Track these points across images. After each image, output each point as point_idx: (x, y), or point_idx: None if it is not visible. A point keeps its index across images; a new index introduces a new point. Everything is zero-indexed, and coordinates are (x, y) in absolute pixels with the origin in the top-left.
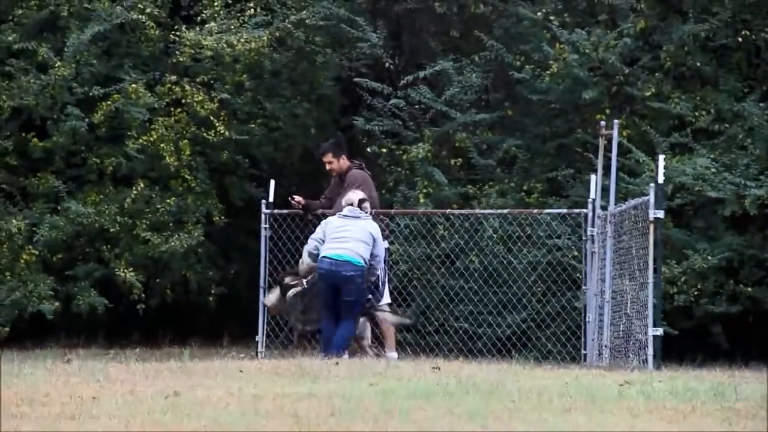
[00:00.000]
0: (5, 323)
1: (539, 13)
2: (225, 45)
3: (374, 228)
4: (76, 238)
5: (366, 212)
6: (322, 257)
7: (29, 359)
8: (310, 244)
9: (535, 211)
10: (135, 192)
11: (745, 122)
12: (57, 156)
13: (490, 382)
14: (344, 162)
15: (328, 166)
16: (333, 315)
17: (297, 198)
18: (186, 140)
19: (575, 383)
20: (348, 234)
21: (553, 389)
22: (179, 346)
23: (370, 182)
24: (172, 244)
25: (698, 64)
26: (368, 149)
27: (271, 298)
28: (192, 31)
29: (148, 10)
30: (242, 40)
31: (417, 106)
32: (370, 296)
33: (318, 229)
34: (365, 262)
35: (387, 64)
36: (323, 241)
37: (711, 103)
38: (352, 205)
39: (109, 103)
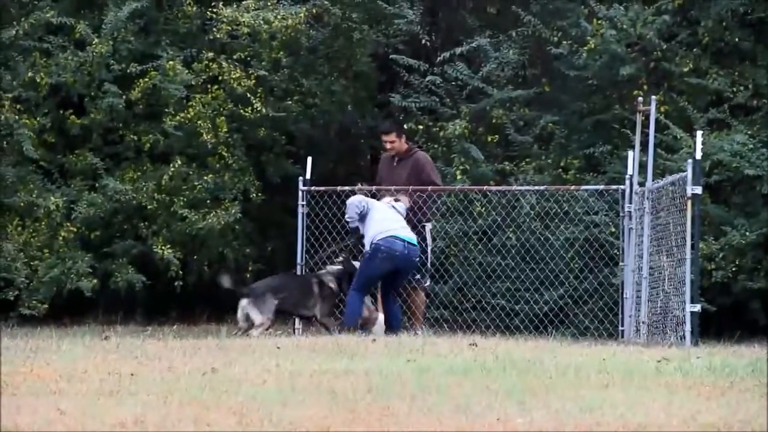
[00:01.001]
0: (44, 300)
1: None
2: (262, 21)
3: None
4: (113, 215)
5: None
6: (395, 237)
7: (67, 336)
8: (358, 204)
9: (573, 187)
10: (172, 169)
11: None
12: (95, 133)
13: (527, 358)
14: (404, 142)
15: (389, 145)
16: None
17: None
18: (223, 117)
19: (612, 360)
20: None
21: (590, 366)
22: (216, 324)
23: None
24: (210, 221)
25: (736, 39)
26: (405, 126)
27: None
28: (229, 7)
29: None
30: (279, 16)
31: (454, 83)
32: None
33: (361, 200)
34: None
35: (423, 41)
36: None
37: (749, 78)
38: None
39: (146, 80)
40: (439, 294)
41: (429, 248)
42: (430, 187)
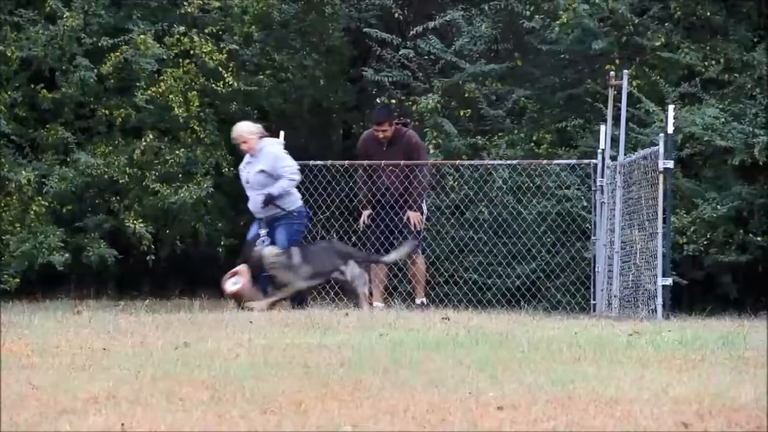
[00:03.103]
0: (15, 274)
1: None
2: None
3: None
4: (85, 189)
5: None
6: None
7: (39, 310)
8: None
9: (545, 161)
10: (144, 143)
11: (754, 71)
12: (66, 107)
13: (499, 332)
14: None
15: (381, 134)
16: None
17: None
18: (195, 92)
19: (584, 333)
20: None
21: (562, 339)
22: (189, 298)
23: None
24: (182, 195)
25: (708, 13)
26: (377, 100)
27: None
28: None
29: None
30: None
31: (426, 57)
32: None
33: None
34: None
35: (396, 15)
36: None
37: (720, 53)
38: None
39: (117, 54)
40: (411, 268)
41: (424, 215)
42: (419, 162)
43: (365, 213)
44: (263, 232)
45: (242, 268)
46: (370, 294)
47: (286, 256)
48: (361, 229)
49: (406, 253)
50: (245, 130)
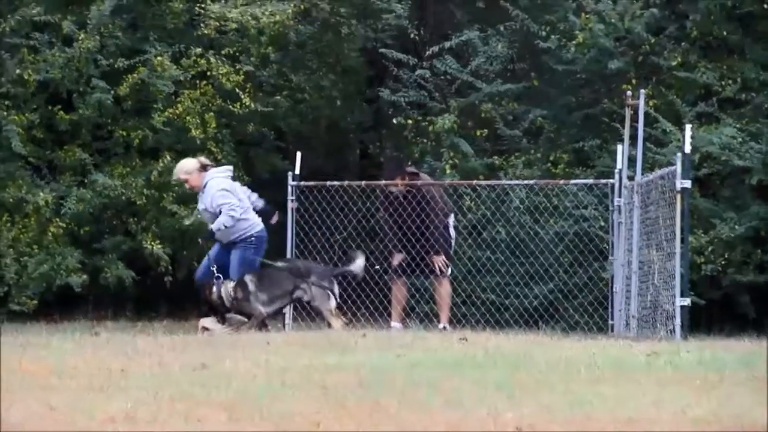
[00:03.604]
0: (33, 296)
1: None
2: (250, 17)
3: None
4: (103, 210)
5: None
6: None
7: (57, 332)
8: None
9: (562, 181)
10: (161, 165)
11: None
12: (83, 129)
13: (517, 353)
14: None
15: (395, 189)
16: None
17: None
18: (212, 113)
19: (603, 354)
20: None
21: (580, 360)
22: None
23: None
24: (199, 216)
25: (724, 33)
26: (394, 120)
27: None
28: (217, 3)
29: None
30: (267, 12)
31: (443, 77)
32: None
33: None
34: None
35: (412, 35)
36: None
37: (737, 72)
38: None
39: (134, 75)
40: (429, 289)
41: (453, 239)
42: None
43: (398, 257)
44: (214, 268)
45: (205, 323)
46: (340, 308)
47: (241, 289)
48: (393, 268)
49: (360, 266)
50: (182, 169)
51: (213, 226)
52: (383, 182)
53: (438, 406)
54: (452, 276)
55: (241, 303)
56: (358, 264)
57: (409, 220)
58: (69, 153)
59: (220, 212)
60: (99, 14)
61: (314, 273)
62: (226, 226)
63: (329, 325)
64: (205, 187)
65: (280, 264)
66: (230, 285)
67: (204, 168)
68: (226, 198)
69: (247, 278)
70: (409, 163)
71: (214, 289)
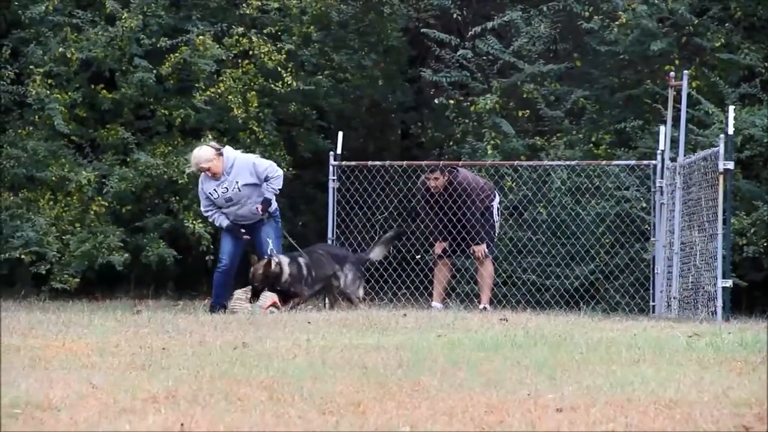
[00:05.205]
0: (75, 274)
1: None
2: None
3: None
4: (144, 189)
5: None
6: None
7: (99, 310)
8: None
9: (604, 162)
10: (203, 144)
11: None
12: (126, 108)
13: (558, 333)
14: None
15: (433, 183)
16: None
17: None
18: (254, 92)
19: (643, 335)
20: None
21: (621, 341)
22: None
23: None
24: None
25: None
26: (436, 101)
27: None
28: None
29: None
30: None
31: (485, 57)
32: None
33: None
34: None
35: (455, 15)
36: None
37: None
38: None
39: (176, 54)
40: (470, 269)
41: (497, 222)
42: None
43: (440, 245)
44: (271, 245)
45: (239, 296)
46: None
47: (296, 268)
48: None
49: (389, 240)
50: (203, 159)
51: (273, 187)
52: (423, 163)
53: (478, 387)
54: (494, 256)
55: (293, 281)
56: (377, 252)
57: (450, 212)
58: (111, 132)
59: (266, 179)
60: None
61: (349, 260)
62: (281, 182)
63: (356, 308)
64: (232, 166)
65: (319, 249)
66: (285, 260)
67: (218, 151)
68: (264, 161)
69: (301, 261)
70: (444, 157)
71: (273, 263)
